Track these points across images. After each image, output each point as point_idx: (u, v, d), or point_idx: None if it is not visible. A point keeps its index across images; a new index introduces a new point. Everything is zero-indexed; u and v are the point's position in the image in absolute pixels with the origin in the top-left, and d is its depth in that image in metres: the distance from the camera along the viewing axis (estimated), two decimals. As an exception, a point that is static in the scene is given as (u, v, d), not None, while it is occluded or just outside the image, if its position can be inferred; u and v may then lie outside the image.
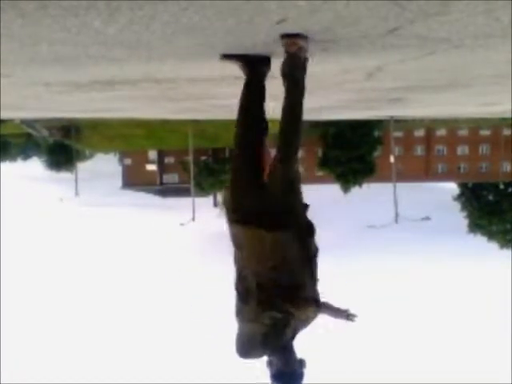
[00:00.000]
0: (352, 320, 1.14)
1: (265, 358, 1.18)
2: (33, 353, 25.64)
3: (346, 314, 1.14)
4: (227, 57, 1.29)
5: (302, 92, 1.19)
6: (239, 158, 1.24)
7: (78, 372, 23.90)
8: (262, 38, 1.18)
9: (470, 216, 24.40)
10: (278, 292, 1.14)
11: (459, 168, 27.29)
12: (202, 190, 21.57)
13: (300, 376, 1.17)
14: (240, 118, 1.26)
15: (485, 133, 26.48)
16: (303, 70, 1.18)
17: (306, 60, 1.18)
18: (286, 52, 1.15)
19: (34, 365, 24.55)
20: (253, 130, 1.24)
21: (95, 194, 31.86)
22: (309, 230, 1.22)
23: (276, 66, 1.25)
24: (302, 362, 1.19)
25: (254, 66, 1.28)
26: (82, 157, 30.21)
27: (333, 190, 23.44)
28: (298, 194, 1.22)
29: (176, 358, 25.13)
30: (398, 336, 26.07)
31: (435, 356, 26.45)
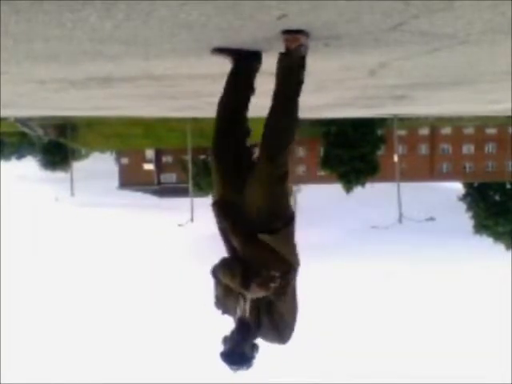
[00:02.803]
0: None
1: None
2: (30, 352, 25.88)
3: None
4: (218, 51, 1.27)
5: (298, 89, 1.16)
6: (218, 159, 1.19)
7: (75, 371, 24.09)
8: (263, 34, 1.16)
9: (475, 217, 24.15)
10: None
11: (464, 167, 26.96)
12: (201, 189, 21.51)
13: (249, 359, 1.13)
14: (219, 111, 1.21)
15: (491, 131, 26.18)
16: (302, 66, 1.16)
17: (304, 57, 1.16)
18: (287, 48, 1.13)
19: (31, 364, 24.76)
20: (234, 128, 1.20)
21: (91, 194, 31.76)
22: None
23: (273, 62, 1.23)
24: (254, 346, 1.16)
25: (244, 61, 1.25)
26: (77, 156, 29.83)
27: (335, 189, 23.36)
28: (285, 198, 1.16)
29: (174, 359, 25.24)
30: (401, 337, 25.99)
31: (440, 357, 26.33)
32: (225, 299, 1.19)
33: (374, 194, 24.32)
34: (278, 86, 1.15)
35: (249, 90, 1.25)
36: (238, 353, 1.12)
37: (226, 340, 1.15)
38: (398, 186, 14.72)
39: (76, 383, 23.20)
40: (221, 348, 1.15)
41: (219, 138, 1.21)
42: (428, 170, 27.49)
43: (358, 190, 23.42)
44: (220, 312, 1.24)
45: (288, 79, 1.14)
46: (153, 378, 24.49)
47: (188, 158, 16.64)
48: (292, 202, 1.23)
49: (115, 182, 29.82)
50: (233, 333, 1.15)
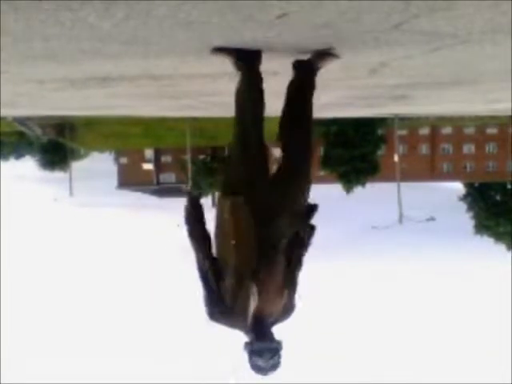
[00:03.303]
0: None
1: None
2: (30, 352, 25.88)
3: None
4: (218, 50, 1.28)
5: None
6: (246, 160, 1.24)
7: (75, 371, 24.09)
8: (263, 34, 1.16)
9: (476, 217, 24.10)
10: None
11: (465, 167, 26.90)
12: (200, 189, 21.50)
13: (279, 354, 1.13)
14: (240, 115, 1.26)
15: (492, 131, 26.13)
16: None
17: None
18: (318, 66, 1.30)
19: (31, 364, 24.74)
20: (255, 127, 1.25)
21: (90, 194, 31.63)
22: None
23: (274, 62, 1.23)
24: (279, 343, 1.15)
25: (247, 60, 1.27)
26: (76, 156, 29.63)
27: (335, 189, 23.32)
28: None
29: (173, 359, 25.24)
30: (401, 337, 26.00)
31: (440, 357, 26.32)
32: (233, 299, 1.14)
33: (375, 193, 24.31)
34: (306, 93, 1.31)
35: (261, 87, 1.31)
36: (267, 348, 1.10)
37: (247, 345, 1.13)
38: (399, 186, 14.72)
39: (76, 383, 23.24)
40: (245, 353, 1.13)
41: (246, 141, 1.25)
42: (428, 169, 27.45)
43: (358, 190, 23.41)
44: (222, 324, 1.18)
45: (312, 89, 1.33)
46: (151, 377, 24.53)
47: (187, 157, 16.64)
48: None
49: (114, 181, 29.71)
50: (252, 332, 1.13)
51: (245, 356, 1.13)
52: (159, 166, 29.14)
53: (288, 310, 1.21)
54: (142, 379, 23.68)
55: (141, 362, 26.69)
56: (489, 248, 23.58)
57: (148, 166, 29.22)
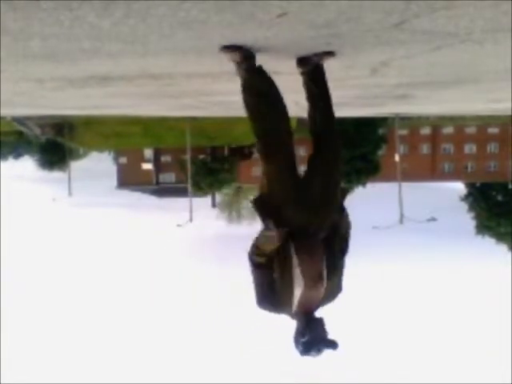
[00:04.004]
0: None
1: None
2: (30, 352, 25.90)
3: None
4: (227, 48, 1.29)
5: None
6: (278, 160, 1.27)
7: (74, 372, 24.09)
8: (263, 32, 1.16)
9: (477, 217, 24.05)
10: None
11: (466, 167, 26.85)
12: (200, 189, 21.31)
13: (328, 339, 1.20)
14: (266, 111, 1.29)
15: (493, 131, 26.05)
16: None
17: None
18: (321, 64, 1.36)
19: (31, 364, 24.75)
20: (284, 118, 1.30)
21: (89, 194, 31.49)
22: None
23: (274, 61, 1.22)
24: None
25: (246, 59, 1.29)
26: (75, 155, 29.54)
27: (336, 189, 23.13)
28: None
29: (171, 360, 25.22)
30: (401, 338, 25.98)
31: (442, 358, 26.30)
32: (282, 286, 1.18)
33: (375, 194, 24.29)
34: (324, 88, 1.36)
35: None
36: (326, 346, 1.20)
37: (297, 341, 1.18)
38: (400, 186, 14.69)
39: (76, 383, 23.26)
40: (297, 345, 1.19)
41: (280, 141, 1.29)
42: (429, 169, 27.38)
43: (358, 190, 23.38)
44: (271, 310, 1.24)
45: (324, 75, 1.39)
46: (152, 377, 24.54)
47: (187, 157, 16.63)
48: None
49: (113, 181, 29.53)
50: (309, 331, 1.19)
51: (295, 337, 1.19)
52: (159, 166, 29.05)
53: (334, 292, 1.28)
54: (141, 379, 23.67)
55: (140, 362, 26.71)
56: (490, 248, 23.55)
57: (147, 166, 29.14)
